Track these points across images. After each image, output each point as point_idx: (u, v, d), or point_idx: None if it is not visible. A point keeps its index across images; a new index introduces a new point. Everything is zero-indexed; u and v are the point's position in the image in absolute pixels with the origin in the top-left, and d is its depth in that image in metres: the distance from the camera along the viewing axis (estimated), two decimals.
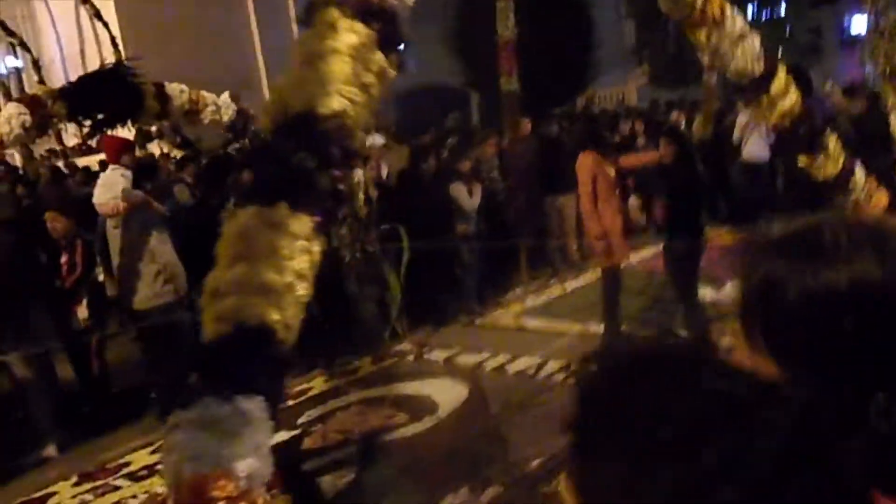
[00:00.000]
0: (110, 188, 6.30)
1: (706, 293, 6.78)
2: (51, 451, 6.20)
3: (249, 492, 1.70)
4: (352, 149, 1.97)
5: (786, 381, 1.00)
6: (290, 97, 1.95)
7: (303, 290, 1.93)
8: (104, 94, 5.16)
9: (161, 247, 6.37)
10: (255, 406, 1.77)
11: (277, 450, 5.59)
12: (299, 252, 1.92)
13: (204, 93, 6.10)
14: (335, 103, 1.91)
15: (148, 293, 6.39)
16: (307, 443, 5.97)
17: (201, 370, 1.84)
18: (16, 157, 13.07)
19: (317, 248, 1.96)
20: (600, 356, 0.81)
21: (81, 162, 13.34)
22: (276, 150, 1.94)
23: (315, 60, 1.97)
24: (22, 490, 5.74)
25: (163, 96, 5.54)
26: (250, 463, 1.70)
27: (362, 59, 1.99)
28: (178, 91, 5.63)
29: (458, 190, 8.44)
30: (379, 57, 2.11)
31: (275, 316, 1.85)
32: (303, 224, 1.93)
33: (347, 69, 1.97)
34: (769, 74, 3.49)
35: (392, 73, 2.09)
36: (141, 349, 6.89)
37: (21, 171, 11.86)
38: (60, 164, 13.19)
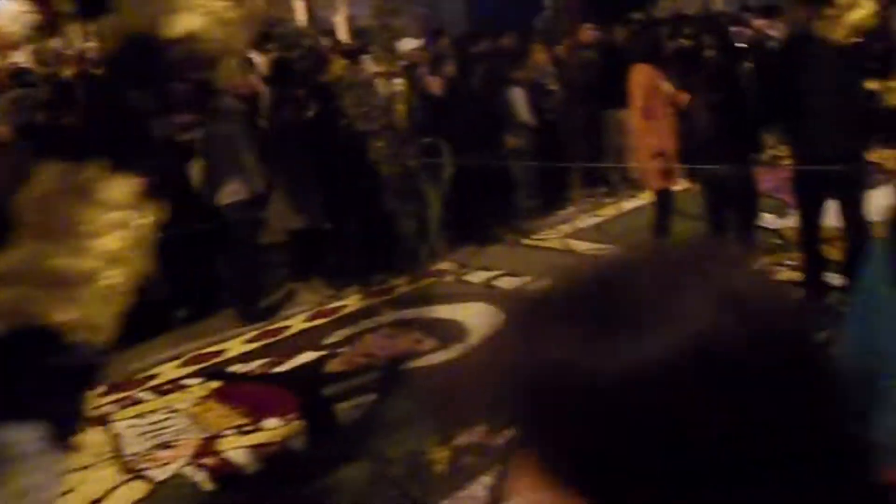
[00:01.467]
0: None
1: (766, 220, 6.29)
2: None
3: None
4: (209, 85, 1.47)
5: None
6: (132, 15, 1.45)
7: (116, 277, 1.46)
8: None
9: None
10: (25, 437, 1.31)
11: (297, 374, 5.39)
12: (111, 227, 1.44)
13: None
14: (186, 22, 1.41)
15: None
16: (331, 366, 5.75)
17: None
18: None
19: (144, 219, 1.48)
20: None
21: None
22: (101, 87, 1.46)
23: None
24: None
25: None
26: None
27: None
28: None
29: (517, 96, 7.93)
30: None
31: (61, 315, 1.39)
32: (121, 189, 1.45)
33: None
34: None
35: None
36: None
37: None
38: None
